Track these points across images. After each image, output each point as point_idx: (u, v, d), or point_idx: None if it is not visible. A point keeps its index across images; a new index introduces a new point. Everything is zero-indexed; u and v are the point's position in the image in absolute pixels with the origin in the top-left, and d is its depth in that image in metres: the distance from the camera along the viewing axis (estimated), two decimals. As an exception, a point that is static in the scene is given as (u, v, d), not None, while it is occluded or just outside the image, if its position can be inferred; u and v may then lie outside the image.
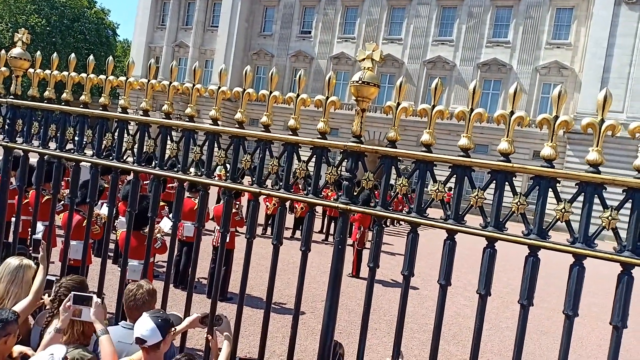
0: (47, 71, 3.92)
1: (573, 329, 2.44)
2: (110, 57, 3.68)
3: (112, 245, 9.88)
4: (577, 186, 2.42)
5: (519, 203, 2.51)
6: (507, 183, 2.56)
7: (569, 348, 2.40)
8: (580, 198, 2.43)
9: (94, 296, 3.05)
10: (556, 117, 2.44)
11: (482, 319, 2.65)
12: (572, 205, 2.43)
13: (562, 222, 2.46)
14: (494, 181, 2.60)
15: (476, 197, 2.57)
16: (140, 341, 2.79)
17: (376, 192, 2.94)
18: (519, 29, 36.87)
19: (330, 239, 15.42)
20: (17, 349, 3.04)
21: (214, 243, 8.90)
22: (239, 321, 3.36)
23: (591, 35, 33.34)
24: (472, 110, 2.62)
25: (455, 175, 2.65)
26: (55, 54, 3.92)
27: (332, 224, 15.68)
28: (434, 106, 2.69)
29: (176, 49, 47.55)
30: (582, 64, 34.32)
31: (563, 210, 2.41)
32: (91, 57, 3.72)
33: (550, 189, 2.48)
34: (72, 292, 2.99)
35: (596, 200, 2.38)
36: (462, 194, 2.69)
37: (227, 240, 8.64)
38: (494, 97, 37.19)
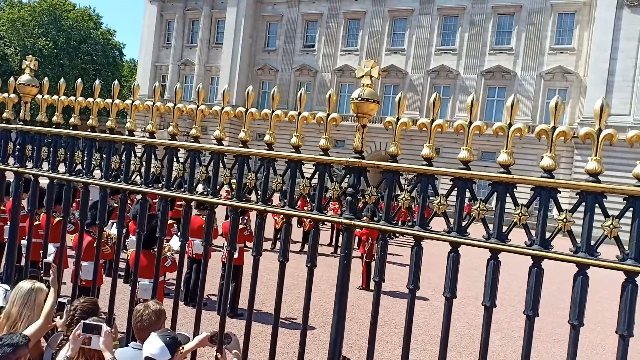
0: (55, 97, 4.01)
1: (579, 338, 2.44)
2: (116, 82, 3.76)
3: (122, 265, 9.96)
4: (577, 195, 2.44)
5: (520, 214, 2.53)
6: (508, 194, 2.59)
7: (576, 357, 2.40)
8: (582, 207, 2.45)
9: (104, 325, 3.08)
10: (554, 128, 2.47)
11: (488, 330, 2.66)
12: (574, 214, 2.44)
13: (564, 231, 2.48)
14: (495, 193, 2.62)
15: (478, 209, 2.60)
16: None
17: (380, 206, 2.97)
18: (522, 35, 36.96)
19: (339, 251, 15.41)
20: None
21: (224, 259, 8.94)
22: (248, 338, 3.38)
23: (594, 40, 33.33)
24: (470, 123, 2.65)
25: (457, 188, 2.68)
26: (62, 80, 4.02)
27: (341, 237, 15.69)
28: (432, 120, 2.73)
29: (182, 67, 48.11)
30: (587, 68, 34.28)
31: (565, 220, 2.43)
32: (97, 81, 3.81)
33: (551, 199, 2.50)
34: (82, 321, 3.01)
35: (598, 209, 2.40)
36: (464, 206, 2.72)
37: (236, 256, 8.71)
38: (499, 104, 37.18)
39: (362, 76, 2.86)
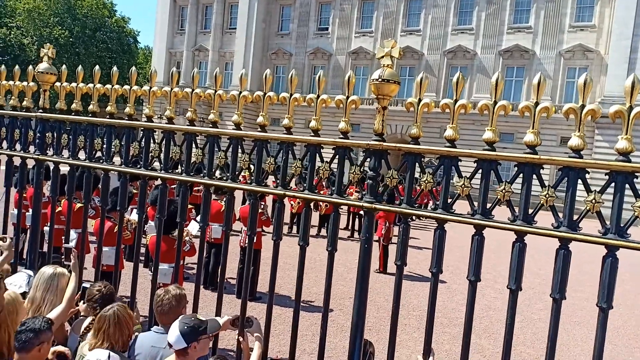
0: (73, 84, 4.01)
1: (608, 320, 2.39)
2: (134, 68, 3.75)
3: (142, 249, 10.10)
4: (607, 176, 2.36)
5: (547, 195, 2.47)
6: (534, 175, 2.53)
7: (604, 341, 2.36)
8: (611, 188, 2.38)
9: None
10: (582, 106, 2.39)
11: (513, 314, 2.62)
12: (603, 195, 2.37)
13: (592, 213, 2.41)
14: (521, 174, 2.56)
15: (503, 190, 2.54)
16: (170, 345, 2.86)
17: (400, 188, 2.93)
18: (540, 13, 36.04)
19: (356, 235, 15.38)
20: (52, 349, 3.12)
21: (242, 244, 9.00)
22: (269, 322, 3.40)
23: (616, 16, 32.35)
24: (495, 102, 2.58)
25: (480, 170, 2.62)
26: (80, 67, 4.02)
27: (357, 221, 15.64)
28: (456, 100, 2.66)
29: (196, 53, 48.08)
30: (608, 45, 33.36)
31: (593, 201, 2.36)
32: (115, 68, 3.81)
33: (579, 180, 2.43)
34: None
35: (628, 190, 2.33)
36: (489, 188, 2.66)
37: (255, 240, 8.74)
38: (518, 84, 36.49)
39: (382, 56, 2.80)
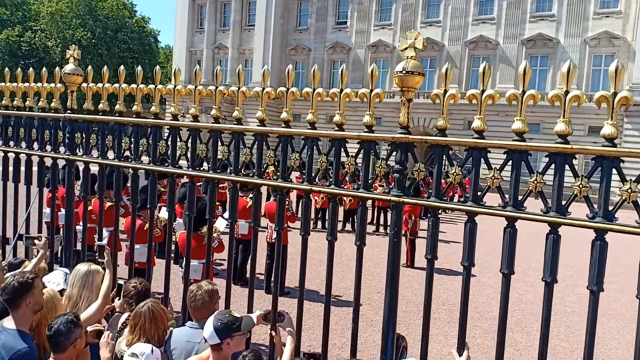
0: (100, 84, 4.08)
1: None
2: (158, 67, 3.79)
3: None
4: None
5: (581, 185, 2.41)
6: (567, 165, 2.47)
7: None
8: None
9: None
10: (615, 94, 2.33)
11: (549, 307, 2.58)
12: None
13: (628, 203, 2.34)
14: (553, 164, 2.51)
15: (535, 181, 2.49)
16: (205, 340, 2.90)
17: (426, 180, 2.89)
18: (564, 0, 35.18)
19: (381, 229, 15.30)
20: (89, 329, 3.22)
21: (268, 239, 9.05)
22: (301, 317, 3.42)
23: (644, 0, 31.39)
24: (524, 92, 2.53)
25: (511, 161, 2.58)
26: (105, 68, 4.08)
27: (382, 215, 15.56)
28: (483, 91, 2.62)
29: (216, 51, 48.41)
30: (635, 32, 32.39)
31: (629, 190, 2.30)
32: (139, 68, 3.86)
33: (614, 169, 2.37)
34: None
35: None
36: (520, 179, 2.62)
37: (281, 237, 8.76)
38: (542, 73, 35.73)
39: (406, 48, 2.77)
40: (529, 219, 2.55)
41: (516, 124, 2.53)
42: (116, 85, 3.93)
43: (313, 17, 44.85)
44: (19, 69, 4.91)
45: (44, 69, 4.64)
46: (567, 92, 2.43)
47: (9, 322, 3.10)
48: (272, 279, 8.44)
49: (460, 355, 2.82)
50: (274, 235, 8.72)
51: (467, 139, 2.63)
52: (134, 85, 3.81)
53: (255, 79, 42.47)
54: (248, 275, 8.67)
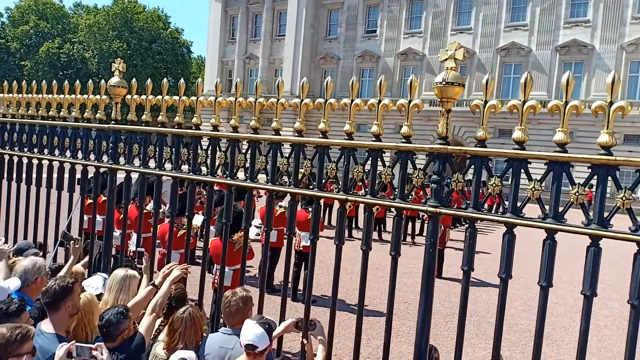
0: (143, 96, 4.22)
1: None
2: (200, 79, 3.91)
3: (199, 252, 10.40)
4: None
5: (624, 198, 2.37)
6: (609, 177, 2.44)
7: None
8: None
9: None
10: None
11: (588, 321, 2.55)
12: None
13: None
14: (596, 176, 2.47)
15: (577, 193, 2.46)
16: (251, 347, 2.89)
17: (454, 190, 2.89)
18: (599, 5, 34.36)
19: (408, 239, 15.18)
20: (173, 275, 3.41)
21: (296, 247, 9.10)
22: (332, 325, 3.44)
23: (685, 4, 30.38)
24: (566, 102, 2.51)
25: (552, 172, 2.55)
26: (149, 80, 4.23)
27: (410, 224, 15.44)
28: (524, 102, 2.61)
29: (247, 61, 49.14)
30: (676, 36, 31.35)
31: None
32: (181, 80, 3.98)
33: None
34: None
35: None
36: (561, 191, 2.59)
37: (308, 244, 8.82)
38: (576, 80, 34.75)
39: (446, 59, 2.79)
40: (570, 231, 2.52)
41: (558, 134, 2.51)
42: (159, 97, 4.06)
43: (343, 26, 45.06)
44: (65, 82, 5.12)
45: (90, 81, 4.84)
46: (611, 103, 2.40)
47: (46, 326, 3.18)
48: (299, 286, 8.52)
49: None
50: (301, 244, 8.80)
51: (507, 149, 2.62)
52: (175, 98, 3.93)
53: (285, 89, 42.81)
54: (275, 282, 8.79)
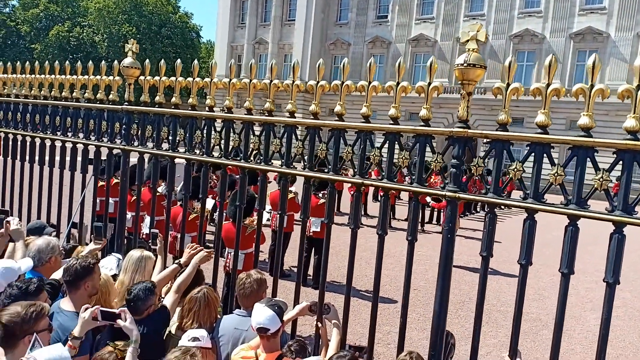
0: (157, 78, 4.19)
1: None
2: (214, 60, 3.86)
3: (209, 236, 10.44)
4: None
5: (651, 184, 2.31)
6: (635, 163, 2.38)
7: None
8: None
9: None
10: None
11: (610, 309, 2.53)
12: None
13: None
14: (621, 161, 2.41)
15: (601, 179, 2.41)
16: (262, 330, 2.91)
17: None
18: (616, -8, 33.71)
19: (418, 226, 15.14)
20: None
21: (306, 233, 9.09)
22: (347, 310, 3.42)
23: None
24: (592, 86, 2.45)
25: (575, 157, 2.49)
26: (162, 61, 4.19)
27: (421, 211, 15.39)
28: (548, 85, 2.54)
29: (256, 46, 48.82)
30: (693, 24, 30.70)
31: None
32: (195, 62, 3.93)
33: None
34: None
35: None
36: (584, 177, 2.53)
37: (318, 230, 8.81)
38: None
39: (468, 40, 2.72)
40: (593, 217, 2.47)
41: (583, 119, 2.45)
42: (172, 78, 4.02)
43: (353, 11, 44.55)
44: (78, 63, 5.09)
45: (103, 62, 4.80)
46: (638, 87, 2.33)
47: (66, 304, 3.23)
48: (308, 271, 8.53)
49: None
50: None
51: (530, 133, 2.56)
52: (190, 79, 3.89)
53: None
54: (285, 267, 8.81)
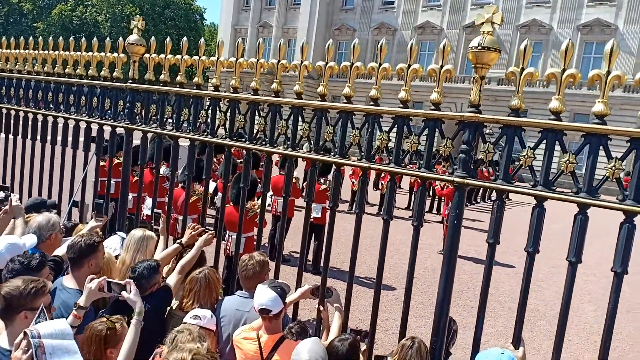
0: (162, 55, 4.12)
1: None
2: (221, 39, 3.80)
3: (209, 219, 10.43)
4: None
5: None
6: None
7: None
8: None
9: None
10: None
11: (617, 299, 2.50)
12: None
13: None
14: (634, 150, 2.37)
15: (613, 168, 2.37)
16: (265, 311, 2.90)
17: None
18: (626, -16, 33.30)
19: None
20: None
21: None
22: (350, 294, 3.41)
23: None
24: (608, 72, 2.39)
25: (588, 145, 2.45)
26: (168, 39, 4.12)
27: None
28: (563, 70, 2.49)
29: (260, 29, 48.39)
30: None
31: None
32: (202, 40, 3.87)
33: None
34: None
35: None
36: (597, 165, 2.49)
37: (319, 216, 8.77)
38: (597, 61, 34.03)
39: (483, 23, 2.65)
40: (603, 206, 2.43)
41: (598, 105, 2.40)
42: (178, 56, 3.95)
43: (359, -4, 44.12)
44: (83, 40, 5.02)
45: (108, 39, 4.73)
46: (655, 75, 2.28)
47: (68, 281, 3.21)
48: (308, 257, 8.54)
49: (516, 349, 2.75)
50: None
51: (542, 120, 2.51)
52: (196, 57, 3.82)
53: (298, 59, 42.32)
54: (285, 252, 8.81)
